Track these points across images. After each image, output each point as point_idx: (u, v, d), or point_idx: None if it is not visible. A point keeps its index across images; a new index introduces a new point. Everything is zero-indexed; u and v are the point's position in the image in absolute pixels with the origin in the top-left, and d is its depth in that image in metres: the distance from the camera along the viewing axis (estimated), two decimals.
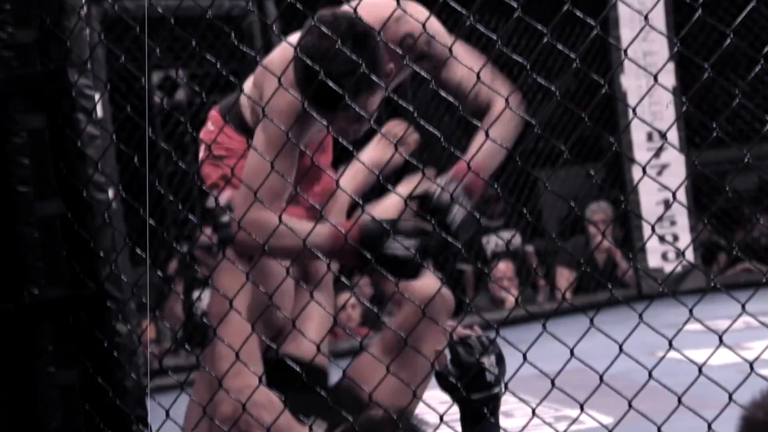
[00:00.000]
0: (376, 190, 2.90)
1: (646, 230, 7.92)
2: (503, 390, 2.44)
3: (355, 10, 2.26)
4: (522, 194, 8.06)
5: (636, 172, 7.98)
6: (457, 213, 2.55)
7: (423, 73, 2.37)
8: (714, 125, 1.83)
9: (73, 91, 2.27)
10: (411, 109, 2.25)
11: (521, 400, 2.06)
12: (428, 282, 2.49)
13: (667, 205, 7.66)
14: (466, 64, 2.49)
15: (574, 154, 7.97)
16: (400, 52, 2.36)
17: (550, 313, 6.55)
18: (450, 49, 2.35)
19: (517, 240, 8.15)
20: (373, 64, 2.32)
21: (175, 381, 2.36)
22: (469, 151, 2.46)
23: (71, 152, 2.27)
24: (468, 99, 2.52)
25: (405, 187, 2.75)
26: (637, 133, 7.87)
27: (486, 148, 2.36)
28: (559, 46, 1.98)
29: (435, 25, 2.55)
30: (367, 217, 2.40)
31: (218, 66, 2.35)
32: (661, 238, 7.76)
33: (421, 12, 2.44)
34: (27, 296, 2.24)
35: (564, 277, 7.96)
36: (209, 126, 2.78)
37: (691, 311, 1.79)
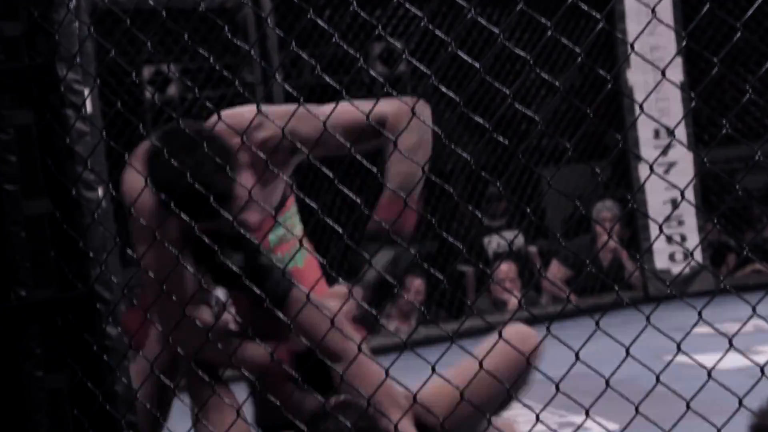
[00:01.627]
0: None
1: (653, 230, 7.92)
2: None
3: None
4: (525, 193, 8.06)
5: (643, 170, 7.98)
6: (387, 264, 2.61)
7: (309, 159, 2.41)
8: (723, 122, 1.84)
9: (62, 86, 2.27)
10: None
11: (525, 405, 2.06)
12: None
13: (675, 204, 7.66)
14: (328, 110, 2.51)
15: (579, 151, 7.97)
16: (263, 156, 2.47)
17: (554, 316, 6.54)
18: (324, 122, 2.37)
19: (520, 240, 8.16)
20: (225, 159, 2.42)
21: (167, 385, 2.36)
22: (388, 186, 2.51)
23: (60, 149, 2.27)
24: (368, 135, 2.62)
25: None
26: (644, 129, 7.87)
27: (401, 176, 2.44)
28: (564, 40, 1.98)
29: (297, 111, 2.54)
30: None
31: (211, 60, 2.35)
32: (669, 239, 7.77)
33: (280, 112, 2.52)
34: (14, 298, 2.24)
35: (553, 273, 7.96)
36: None
37: (699, 314, 1.79)
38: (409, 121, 2.44)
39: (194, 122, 2.53)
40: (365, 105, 2.54)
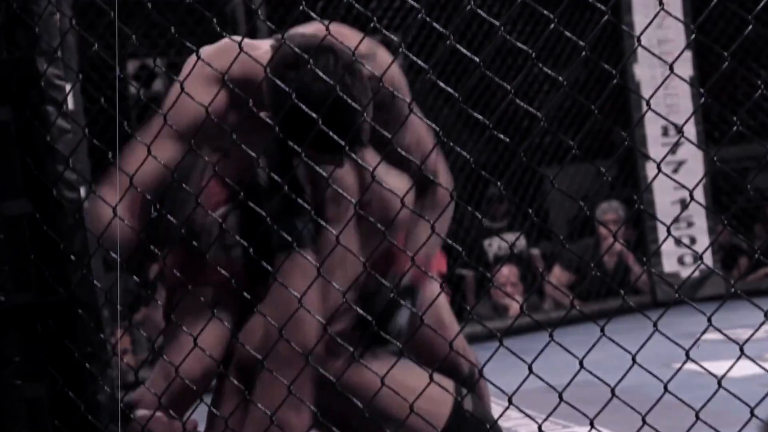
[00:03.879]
0: None
1: (661, 232, 7.94)
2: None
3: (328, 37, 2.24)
4: (527, 193, 8.07)
5: (650, 169, 7.99)
6: (401, 317, 2.59)
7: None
8: (735, 119, 1.84)
9: (42, 81, 2.27)
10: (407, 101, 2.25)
11: (526, 415, 2.06)
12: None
13: (684, 204, 7.67)
14: (418, 128, 2.55)
15: (584, 149, 7.98)
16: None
17: (558, 322, 6.56)
18: (409, 108, 2.29)
19: (522, 243, 8.16)
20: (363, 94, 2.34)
21: (152, 395, 2.36)
22: (412, 242, 2.52)
23: (40, 147, 2.27)
24: (413, 166, 2.52)
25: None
26: (652, 127, 7.88)
27: (427, 239, 2.41)
28: (567, 34, 1.98)
29: (400, 79, 2.56)
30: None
31: (198, 54, 2.35)
32: (678, 241, 7.77)
33: (389, 59, 2.45)
34: None
35: (555, 277, 7.96)
36: None
37: (709, 319, 1.79)
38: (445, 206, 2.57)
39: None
40: (433, 152, 2.58)
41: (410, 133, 2.55)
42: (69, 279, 2.27)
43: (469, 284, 8.06)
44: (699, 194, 7.67)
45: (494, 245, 8.26)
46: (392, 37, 2.36)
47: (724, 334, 1.85)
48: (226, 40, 2.48)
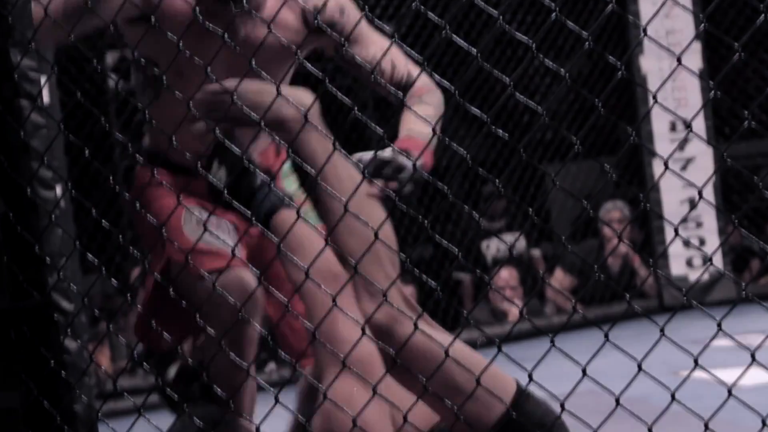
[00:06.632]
0: None
1: (669, 233, 7.95)
2: None
3: None
4: (527, 192, 8.08)
5: (657, 167, 8.00)
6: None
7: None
8: (746, 113, 1.84)
9: (16, 73, 2.27)
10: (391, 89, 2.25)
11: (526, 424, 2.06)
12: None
13: (693, 204, 7.68)
14: (377, 39, 2.70)
15: (587, 146, 7.99)
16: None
17: (560, 327, 6.56)
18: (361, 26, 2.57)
19: (522, 244, 8.17)
20: None
21: (132, 404, 2.36)
22: (404, 128, 2.61)
23: (13, 143, 2.27)
24: (385, 74, 2.68)
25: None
26: (659, 122, 7.89)
27: (421, 127, 2.51)
28: (570, 24, 1.98)
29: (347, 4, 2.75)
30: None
31: (181, 45, 2.35)
32: (686, 242, 7.78)
33: None
34: None
35: (557, 281, 7.97)
36: None
37: (719, 325, 1.79)
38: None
39: None
40: (400, 57, 2.70)
41: (375, 47, 2.68)
42: (44, 282, 2.27)
43: (466, 288, 8.07)
44: (708, 193, 7.68)
45: (492, 247, 8.27)
46: (385, 27, 2.37)
47: (735, 340, 1.86)
48: None
